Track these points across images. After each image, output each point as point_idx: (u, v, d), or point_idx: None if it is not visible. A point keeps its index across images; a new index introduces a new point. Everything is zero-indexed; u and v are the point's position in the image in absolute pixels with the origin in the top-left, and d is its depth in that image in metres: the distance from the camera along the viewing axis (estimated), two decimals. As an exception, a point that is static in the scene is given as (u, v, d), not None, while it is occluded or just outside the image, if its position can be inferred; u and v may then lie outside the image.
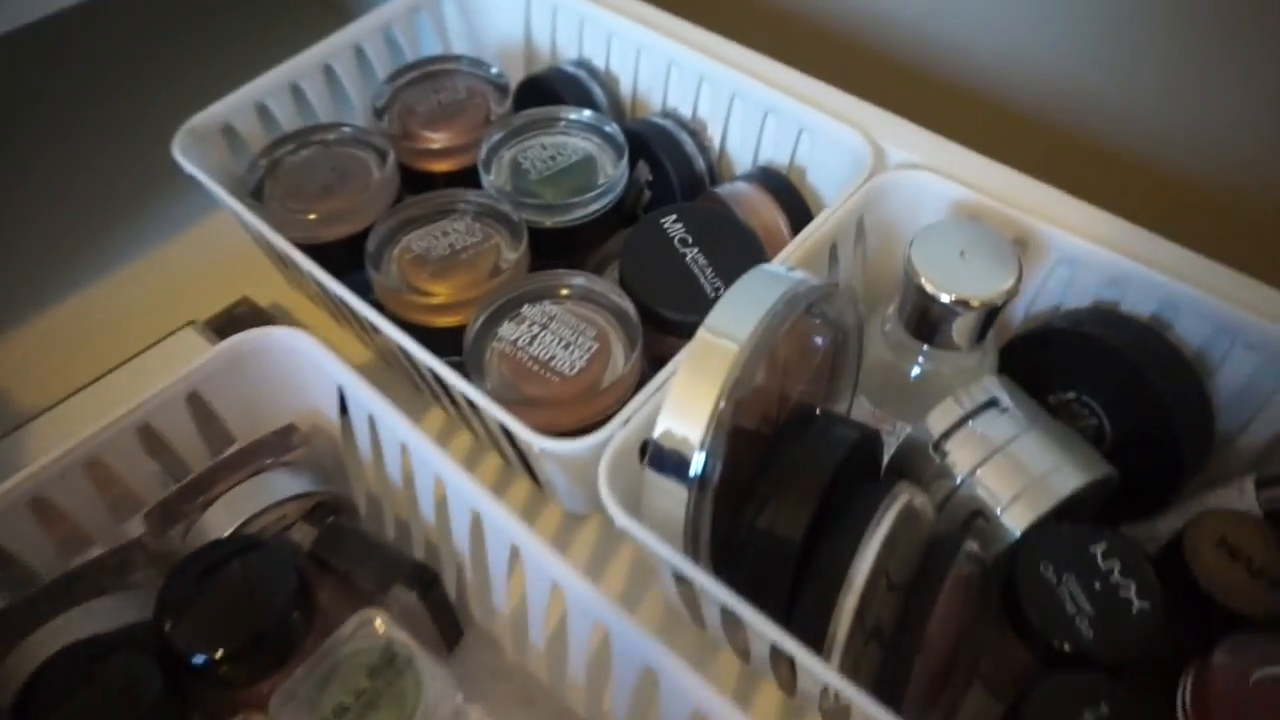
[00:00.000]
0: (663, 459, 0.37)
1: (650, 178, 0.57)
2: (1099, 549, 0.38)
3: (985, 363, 0.46)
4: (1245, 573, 0.37)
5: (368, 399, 0.42)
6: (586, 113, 0.56)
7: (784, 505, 0.38)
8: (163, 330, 0.55)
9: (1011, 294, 0.41)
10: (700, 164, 0.57)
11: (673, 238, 0.49)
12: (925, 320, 0.44)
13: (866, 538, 0.37)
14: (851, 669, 0.37)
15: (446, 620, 0.43)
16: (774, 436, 0.41)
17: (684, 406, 0.37)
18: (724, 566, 0.40)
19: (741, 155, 0.57)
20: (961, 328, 0.43)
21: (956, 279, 0.42)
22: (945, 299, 0.42)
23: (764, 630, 0.34)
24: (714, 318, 0.38)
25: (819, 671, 0.33)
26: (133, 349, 0.54)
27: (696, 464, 0.36)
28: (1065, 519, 0.41)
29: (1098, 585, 0.37)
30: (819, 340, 0.44)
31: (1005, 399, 0.43)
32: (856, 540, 0.37)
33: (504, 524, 0.37)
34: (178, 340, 0.53)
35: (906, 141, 0.50)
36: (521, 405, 0.44)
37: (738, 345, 0.37)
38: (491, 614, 0.44)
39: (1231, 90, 0.51)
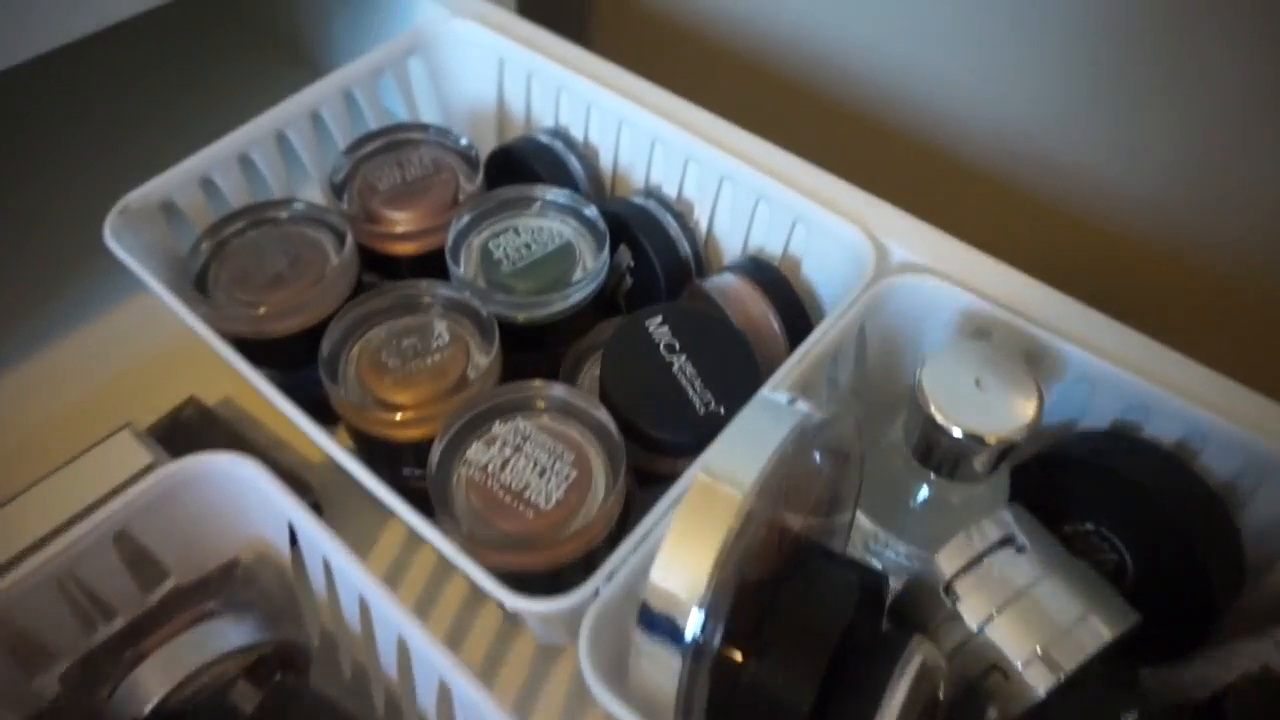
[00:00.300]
0: (654, 621, 0.33)
1: (632, 263, 0.53)
2: (1130, 717, 0.35)
3: (997, 491, 0.43)
4: None
5: (321, 541, 0.37)
6: (564, 193, 0.51)
7: (789, 669, 0.34)
8: (95, 433, 0.49)
9: (1031, 429, 0.38)
10: (685, 249, 0.53)
11: (658, 343, 0.45)
12: (934, 450, 0.40)
13: (883, 709, 0.33)
14: None
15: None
16: (773, 583, 0.37)
17: (679, 562, 0.33)
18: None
19: (730, 242, 0.53)
20: (975, 462, 0.40)
21: (971, 411, 0.38)
22: (958, 433, 0.38)
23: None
24: (714, 458, 0.34)
25: None
26: (58, 456, 0.49)
27: (693, 628, 0.32)
28: (1086, 670, 0.38)
29: (1134, 763, 0.34)
30: (821, 468, 0.40)
31: (1022, 536, 0.39)
32: (872, 712, 0.33)
33: (473, 698, 0.33)
34: (113, 446, 0.48)
35: (910, 239, 0.46)
36: (491, 544, 0.40)
37: (741, 492, 0.33)
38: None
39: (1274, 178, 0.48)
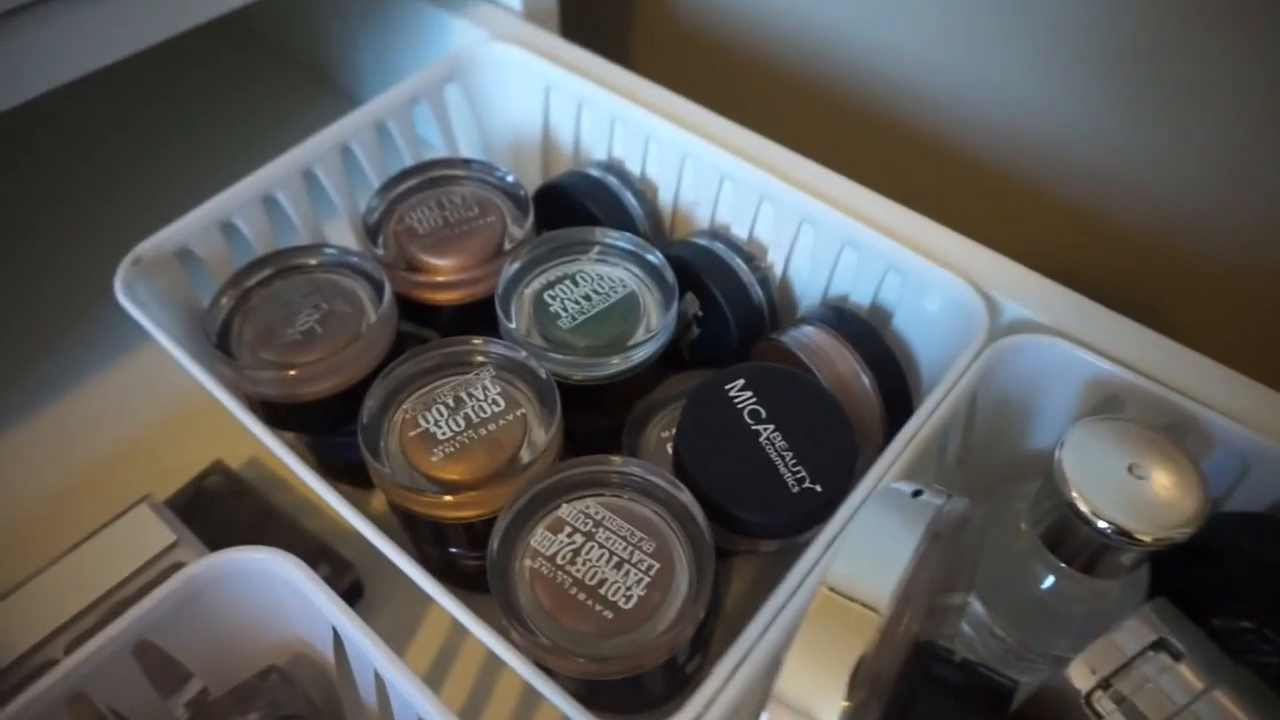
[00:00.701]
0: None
1: (700, 313, 0.48)
2: None
3: (1134, 583, 0.37)
4: None
5: (371, 650, 0.32)
6: (625, 237, 0.46)
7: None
8: (110, 504, 0.44)
9: (1195, 527, 0.33)
10: (758, 295, 0.48)
11: (742, 409, 0.40)
12: (1070, 540, 0.35)
13: None
14: None
15: None
16: (895, 696, 0.32)
17: (804, 689, 0.27)
18: None
19: (809, 289, 0.48)
20: (1121, 558, 0.35)
21: (1123, 503, 0.33)
22: (1105, 527, 0.33)
23: None
24: (842, 567, 0.29)
25: None
26: (68, 533, 0.44)
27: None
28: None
29: None
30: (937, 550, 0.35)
31: (1176, 641, 0.34)
32: None
33: None
34: (130, 522, 0.43)
35: (1024, 293, 0.41)
36: (563, 649, 0.34)
37: (879, 610, 0.28)
38: None
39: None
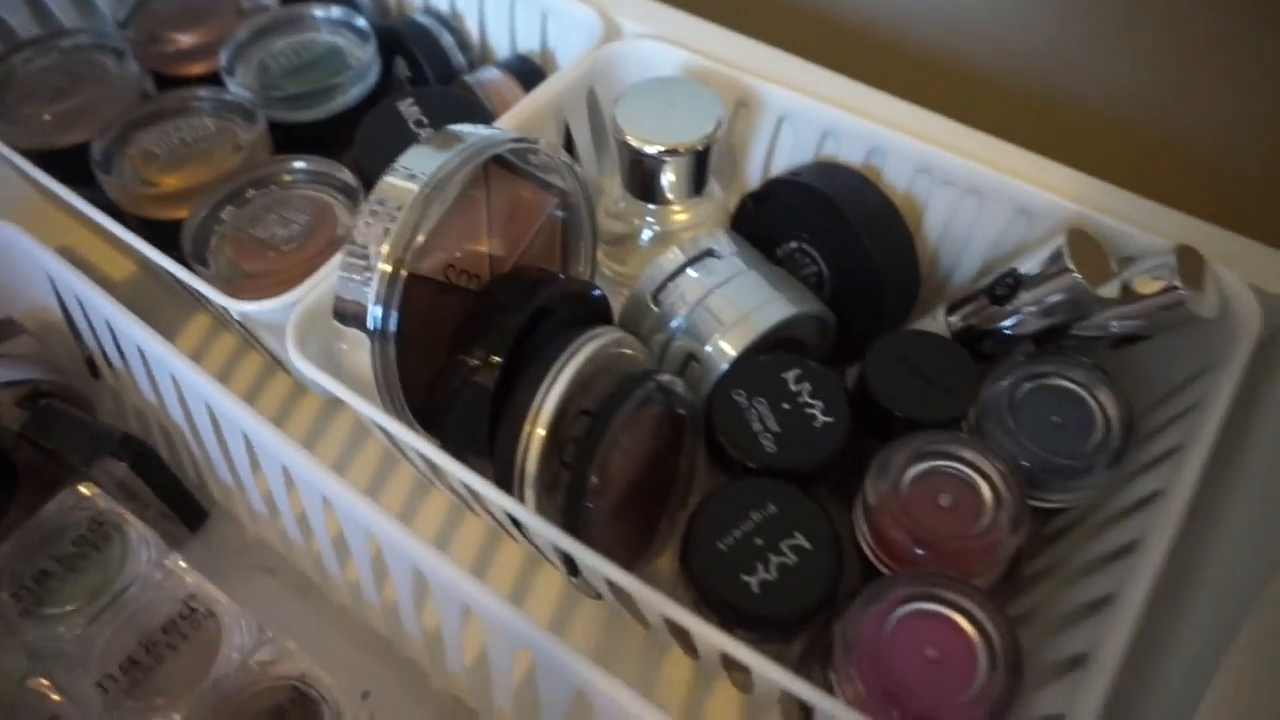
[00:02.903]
0: (345, 312, 0.37)
1: (409, 73, 0.57)
2: (792, 374, 0.39)
3: (715, 220, 0.47)
4: (924, 384, 0.39)
5: (85, 294, 0.41)
6: (336, 9, 0.55)
7: (481, 350, 0.39)
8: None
9: (712, 138, 0.42)
10: (459, 60, 0.57)
11: (407, 119, 0.49)
12: (641, 178, 0.45)
13: (554, 373, 0.37)
14: (544, 500, 0.37)
15: (178, 498, 0.43)
16: (481, 291, 0.41)
17: (361, 256, 0.36)
18: (435, 421, 0.40)
19: (500, 47, 0.57)
20: (675, 178, 0.44)
21: (661, 130, 0.43)
22: (652, 150, 0.43)
23: (450, 467, 0.34)
24: (397, 162, 0.38)
25: (500, 500, 0.34)
26: None
27: (374, 316, 0.36)
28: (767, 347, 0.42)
29: (787, 406, 0.38)
30: (545, 209, 0.44)
31: (724, 248, 0.44)
32: (542, 375, 0.37)
33: (230, 410, 0.37)
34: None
35: (640, 14, 0.51)
36: (243, 281, 0.43)
37: (416, 188, 0.36)
38: (230, 493, 0.43)
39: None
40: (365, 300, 0.36)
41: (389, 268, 0.35)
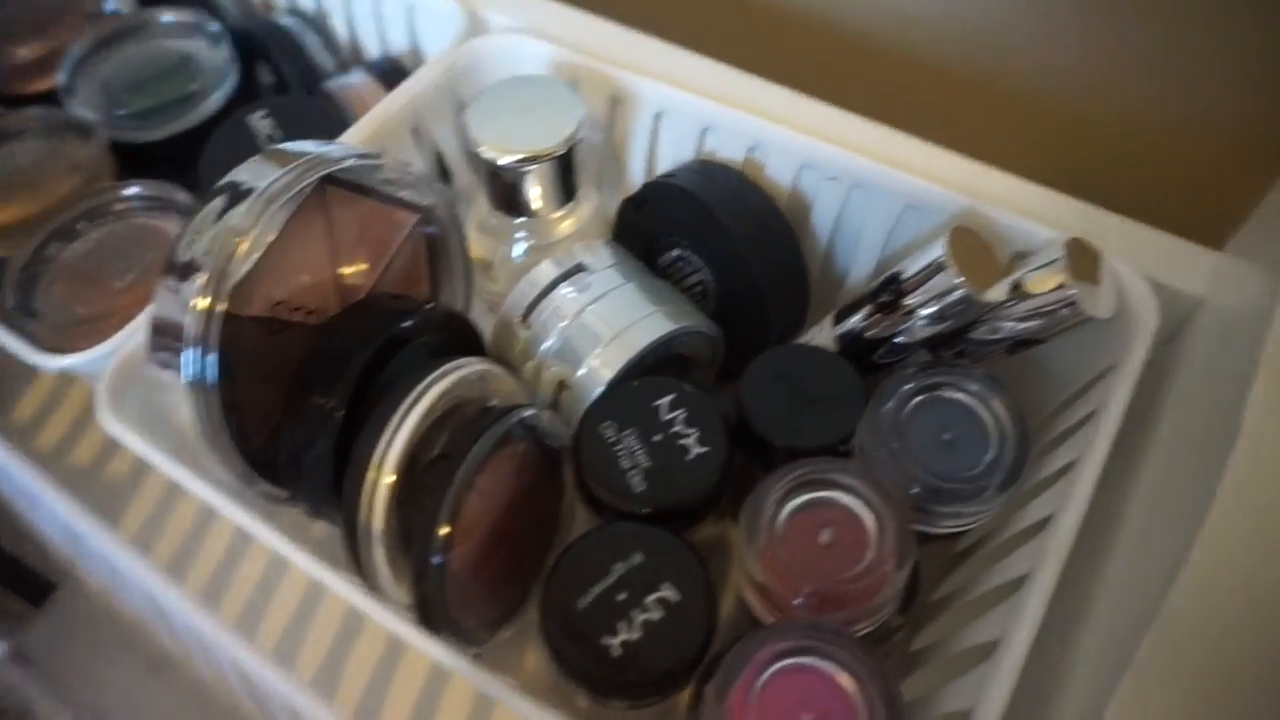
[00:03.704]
0: (160, 360, 0.34)
1: (273, 79, 0.53)
2: (666, 401, 0.36)
3: (595, 228, 0.44)
4: (805, 405, 0.36)
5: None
6: (185, 13, 0.51)
7: (322, 392, 0.35)
8: None
9: (574, 141, 0.39)
10: (327, 63, 0.53)
11: (258, 134, 0.45)
12: (503, 190, 0.41)
13: (402, 413, 0.34)
14: (400, 558, 0.34)
15: (14, 576, 0.40)
16: (323, 326, 0.38)
17: (174, 293, 0.33)
18: (284, 472, 0.37)
19: (371, 47, 0.53)
20: (540, 187, 0.40)
21: (517, 137, 0.39)
22: (508, 160, 0.39)
23: (265, 538, 0.31)
24: (216, 187, 0.34)
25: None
26: None
27: (190, 363, 0.32)
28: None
29: (658, 437, 0.35)
30: (404, 228, 0.40)
31: (596, 262, 0.40)
32: (388, 417, 0.34)
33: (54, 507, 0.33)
34: None
35: (509, 6, 0.47)
36: (77, 327, 0.40)
37: (237, 219, 0.33)
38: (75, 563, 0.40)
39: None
40: (181, 346, 0.32)
41: (204, 308, 0.32)
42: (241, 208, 0.33)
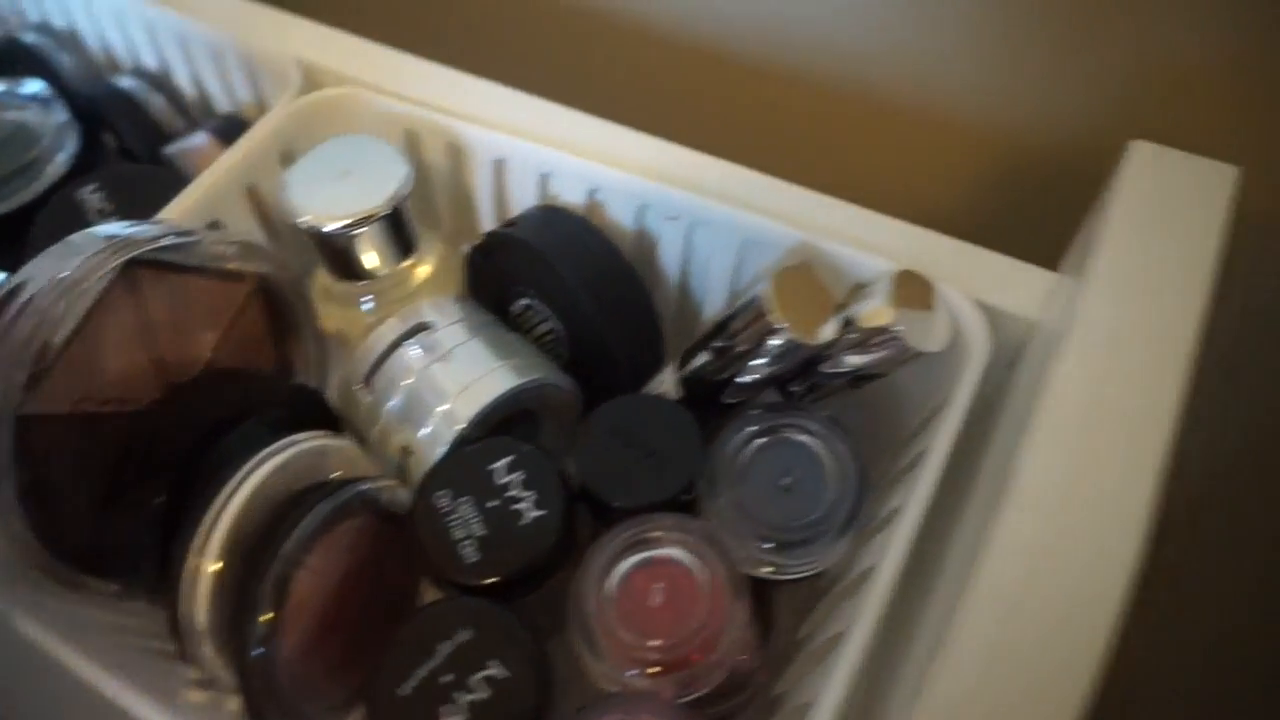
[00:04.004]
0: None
1: (117, 145, 0.51)
2: (503, 463, 0.35)
3: (443, 279, 0.43)
4: (642, 458, 0.35)
5: None
6: (15, 82, 0.49)
7: (141, 484, 0.34)
8: None
9: (398, 198, 0.38)
10: (176, 123, 0.51)
11: (87, 210, 0.43)
12: (335, 257, 0.40)
13: (226, 496, 0.33)
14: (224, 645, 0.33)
15: None
16: (138, 414, 0.36)
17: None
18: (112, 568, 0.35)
19: (222, 105, 0.52)
20: (373, 249, 0.39)
21: (338, 202, 0.38)
22: (332, 227, 0.38)
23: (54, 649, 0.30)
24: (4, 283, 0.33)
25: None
26: None
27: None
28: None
29: (494, 503, 0.34)
30: (235, 299, 0.39)
31: (441, 318, 0.39)
32: (210, 501, 0.33)
33: None
34: None
35: (346, 58, 0.45)
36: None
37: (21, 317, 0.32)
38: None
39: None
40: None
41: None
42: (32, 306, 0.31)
